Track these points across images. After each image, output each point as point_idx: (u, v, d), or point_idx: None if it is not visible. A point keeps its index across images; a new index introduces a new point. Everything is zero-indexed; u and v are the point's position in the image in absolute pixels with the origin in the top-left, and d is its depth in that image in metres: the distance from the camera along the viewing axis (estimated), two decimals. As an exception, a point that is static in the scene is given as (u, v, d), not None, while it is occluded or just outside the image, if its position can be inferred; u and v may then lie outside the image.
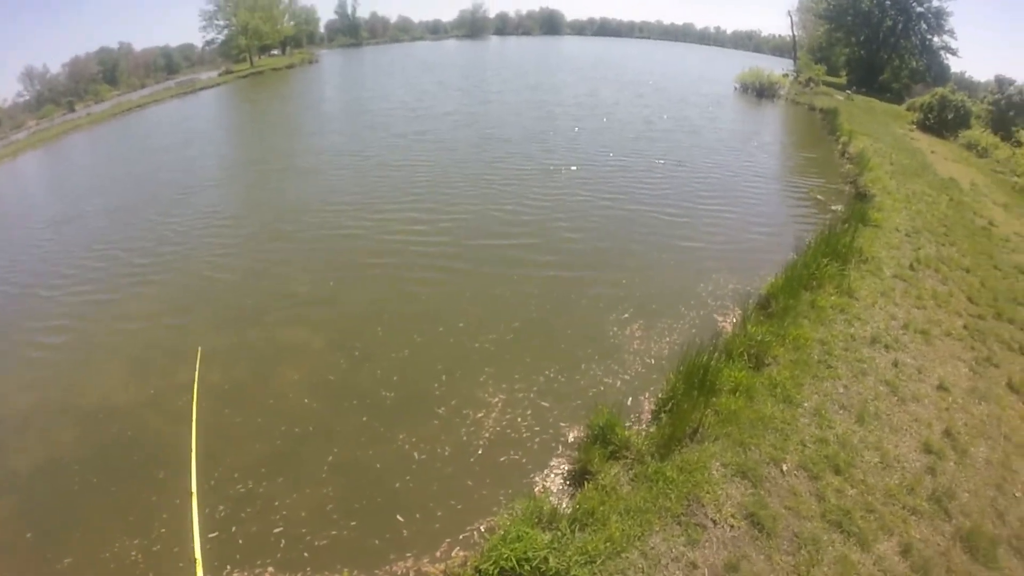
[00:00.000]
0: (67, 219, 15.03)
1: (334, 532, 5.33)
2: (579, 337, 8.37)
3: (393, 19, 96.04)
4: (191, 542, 3.83)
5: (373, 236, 12.17)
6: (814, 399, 6.51)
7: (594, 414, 6.07)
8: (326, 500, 5.67)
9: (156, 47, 67.84)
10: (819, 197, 15.30)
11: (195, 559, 3.66)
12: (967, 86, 37.94)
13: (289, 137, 23.83)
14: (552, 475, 5.91)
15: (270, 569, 5.00)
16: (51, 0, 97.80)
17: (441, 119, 24.99)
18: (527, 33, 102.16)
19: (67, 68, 53.04)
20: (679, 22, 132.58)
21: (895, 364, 7.28)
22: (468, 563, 4.73)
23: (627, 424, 6.24)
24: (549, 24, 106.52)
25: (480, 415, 6.78)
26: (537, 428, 6.58)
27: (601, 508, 4.97)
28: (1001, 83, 29.11)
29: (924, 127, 25.83)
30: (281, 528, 5.39)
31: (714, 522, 4.93)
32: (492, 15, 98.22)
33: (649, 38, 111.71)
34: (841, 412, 6.36)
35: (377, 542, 5.22)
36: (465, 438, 6.44)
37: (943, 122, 25.40)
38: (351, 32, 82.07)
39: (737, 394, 6.42)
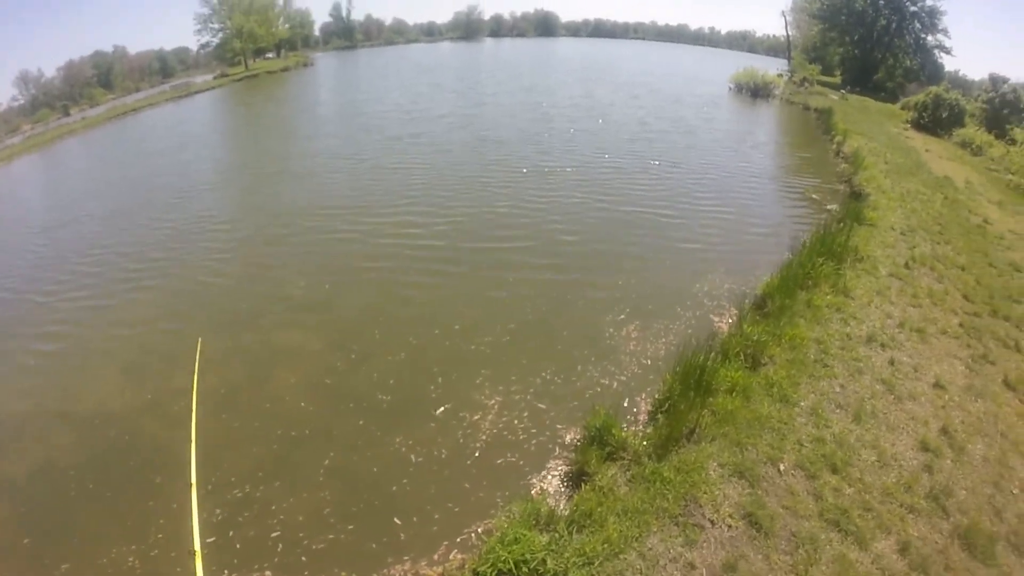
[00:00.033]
0: (62, 224, 14.96)
1: (331, 536, 5.32)
2: (575, 339, 8.37)
3: (388, 21, 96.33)
4: (190, 541, 3.82)
5: (368, 239, 12.15)
6: (811, 398, 6.52)
7: (591, 415, 6.06)
8: (323, 504, 5.65)
9: (151, 50, 67.72)
10: (814, 196, 15.34)
11: (194, 551, 3.64)
12: (961, 85, 38.07)
13: (284, 140, 23.77)
14: (549, 477, 5.91)
15: (267, 573, 4.98)
16: (46, 4, 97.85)
17: (436, 121, 24.96)
18: (522, 35, 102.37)
19: (62, 72, 52.89)
20: (673, 23, 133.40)
21: (891, 363, 7.30)
22: (466, 566, 4.72)
23: (624, 425, 6.25)
24: (544, 26, 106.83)
25: (477, 417, 6.77)
26: (534, 430, 6.57)
27: (599, 509, 4.96)
28: (995, 81, 29.24)
29: (918, 126, 25.95)
30: (278, 532, 5.37)
31: (712, 522, 4.93)
32: (487, 17, 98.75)
33: (644, 39, 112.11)
34: (838, 411, 6.37)
35: (374, 545, 5.21)
36: (462, 440, 6.43)
37: (937, 121, 25.52)
38: (346, 35, 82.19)
39: (734, 394, 6.42)
